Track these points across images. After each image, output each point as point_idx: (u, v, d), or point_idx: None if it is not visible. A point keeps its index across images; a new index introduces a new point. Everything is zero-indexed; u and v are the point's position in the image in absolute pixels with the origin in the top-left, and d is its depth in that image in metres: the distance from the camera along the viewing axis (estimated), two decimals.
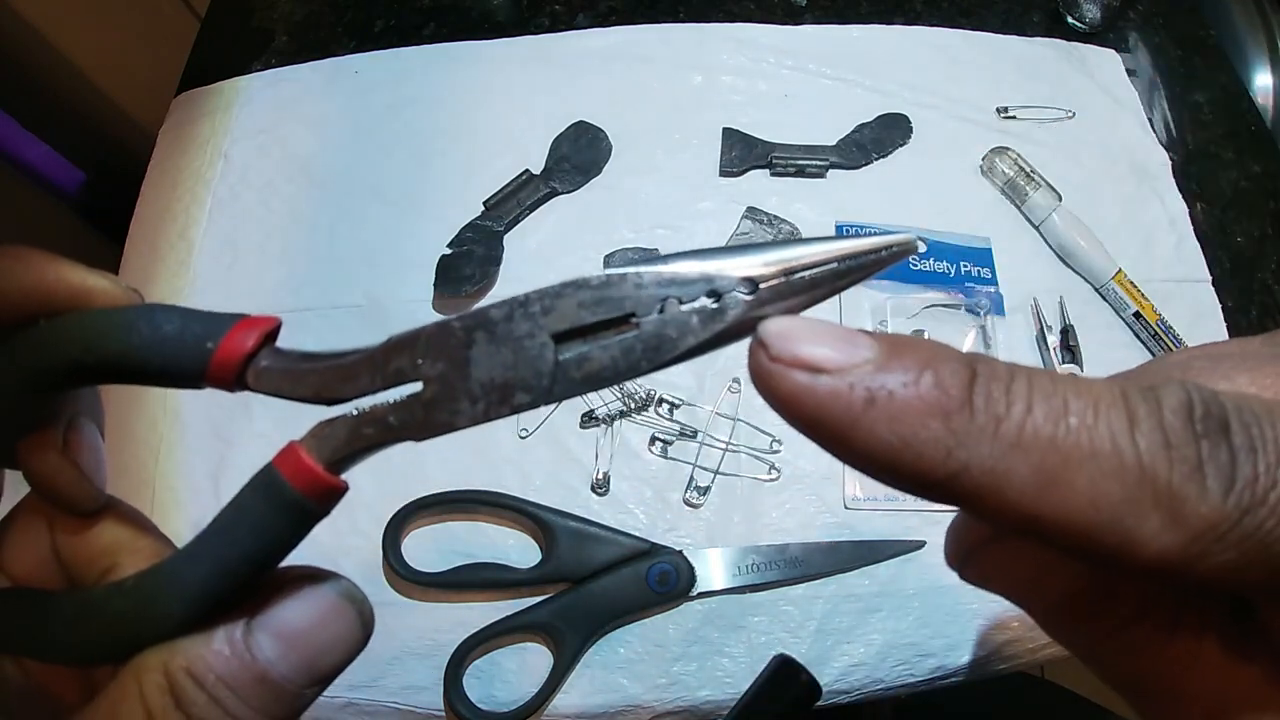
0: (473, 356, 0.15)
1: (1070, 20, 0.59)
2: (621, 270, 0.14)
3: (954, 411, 0.12)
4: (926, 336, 0.45)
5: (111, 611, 0.15)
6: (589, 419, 0.44)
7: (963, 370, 0.13)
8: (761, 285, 0.14)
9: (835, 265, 0.14)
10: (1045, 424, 0.12)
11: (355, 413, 0.16)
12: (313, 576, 0.17)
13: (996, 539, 0.17)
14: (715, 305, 0.14)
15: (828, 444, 0.13)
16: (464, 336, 0.15)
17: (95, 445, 0.18)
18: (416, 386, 0.15)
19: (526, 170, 0.50)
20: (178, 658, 0.15)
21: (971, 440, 0.12)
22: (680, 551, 0.41)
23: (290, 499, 0.16)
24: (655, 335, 0.14)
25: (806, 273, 0.14)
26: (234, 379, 0.16)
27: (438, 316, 0.47)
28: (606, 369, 0.15)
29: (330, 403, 0.16)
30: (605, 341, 0.15)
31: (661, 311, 0.14)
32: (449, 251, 0.48)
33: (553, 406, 0.30)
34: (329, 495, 0.16)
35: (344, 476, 0.16)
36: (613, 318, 0.14)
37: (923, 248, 0.15)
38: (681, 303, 0.14)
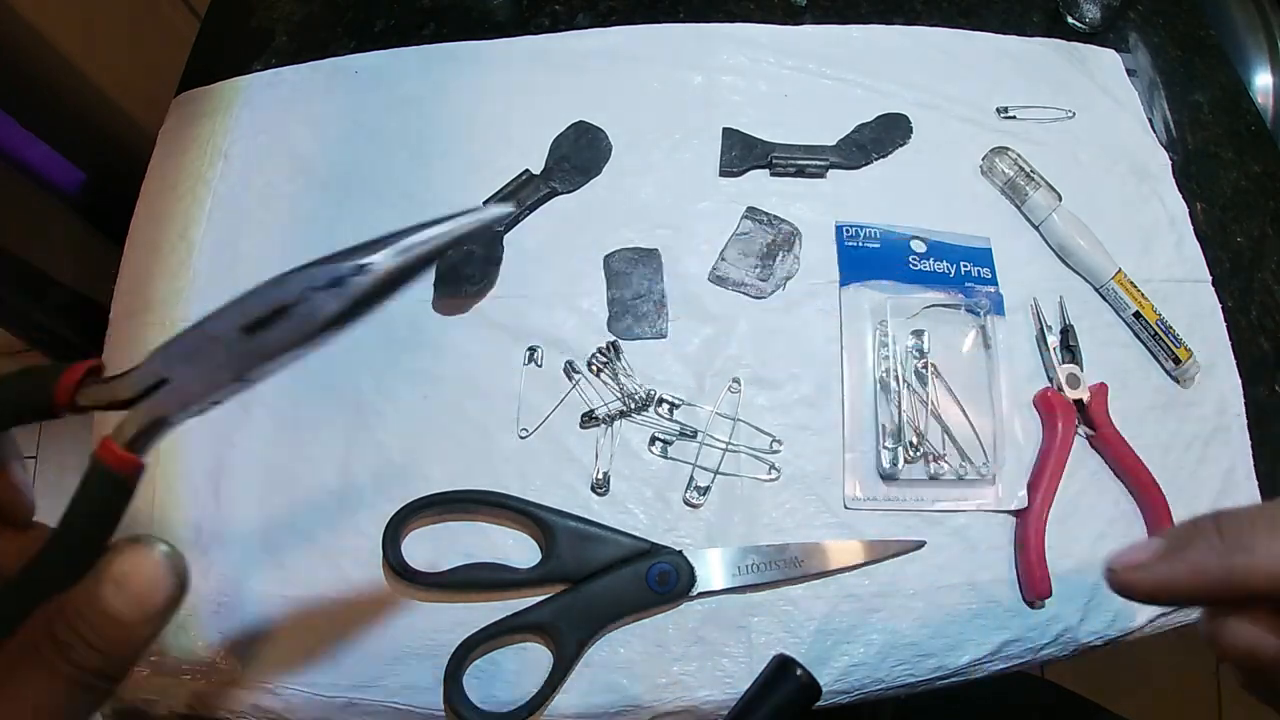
0: (196, 355, 0.22)
1: (1070, 20, 0.59)
2: (276, 277, 0.22)
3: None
4: (926, 336, 0.45)
5: (13, 602, 0.21)
6: (589, 419, 0.44)
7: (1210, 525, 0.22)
8: (370, 268, 0.22)
9: (430, 243, 0.23)
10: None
11: (135, 409, 0.22)
12: (135, 539, 0.22)
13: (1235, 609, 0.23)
14: (338, 288, 0.22)
15: (1161, 602, 0.25)
16: (193, 341, 0.22)
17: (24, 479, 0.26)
18: (169, 382, 0.22)
19: (526, 170, 0.50)
20: (52, 607, 0.20)
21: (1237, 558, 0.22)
22: (680, 551, 0.41)
23: (110, 477, 0.22)
24: (304, 316, 0.22)
25: (409, 252, 0.23)
26: (68, 407, 0.23)
27: (438, 316, 0.47)
28: (276, 342, 0.22)
29: (123, 406, 0.22)
30: (275, 326, 0.22)
31: (305, 300, 0.22)
32: (449, 252, 0.48)
33: (553, 407, 0.43)
34: (134, 469, 0.22)
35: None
36: (277, 308, 0.22)
37: (498, 212, 0.27)
38: (315, 290, 0.22)
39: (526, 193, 0.50)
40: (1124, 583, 0.24)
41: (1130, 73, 0.57)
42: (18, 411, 0.24)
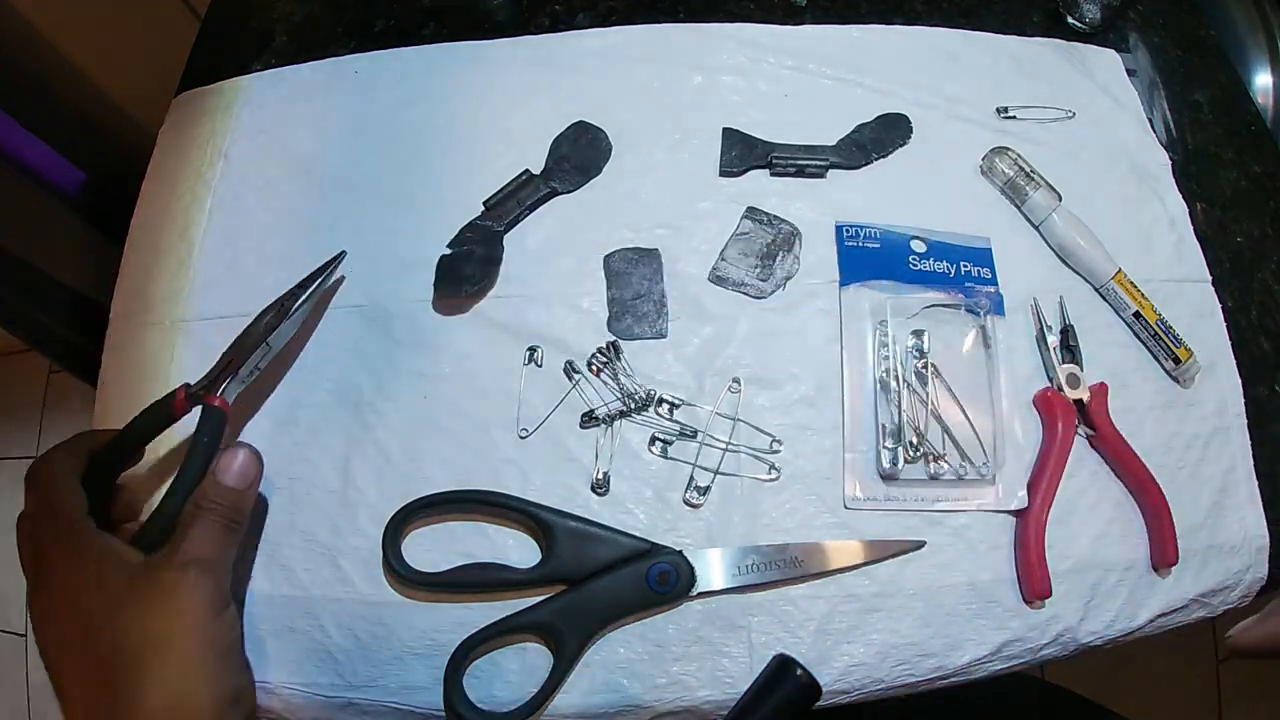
0: (246, 342, 0.42)
1: (1070, 20, 0.59)
2: (276, 300, 0.44)
3: None
4: (926, 336, 0.45)
5: (178, 491, 0.38)
6: (589, 419, 0.44)
7: None
8: (308, 287, 0.44)
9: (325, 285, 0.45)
10: None
11: (220, 380, 0.40)
12: (231, 446, 0.38)
13: None
14: (299, 296, 0.44)
15: (1265, 653, 0.34)
16: (245, 335, 0.42)
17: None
18: (234, 360, 0.41)
19: (526, 170, 0.50)
20: (197, 491, 0.37)
21: None
22: (680, 551, 0.41)
23: (215, 412, 0.39)
24: (289, 311, 0.43)
25: (320, 282, 0.45)
26: (183, 411, 0.40)
27: (438, 316, 0.47)
28: (279, 325, 0.42)
29: (212, 388, 0.40)
30: (281, 319, 0.42)
31: (286, 305, 0.43)
32: (449, 251, 0.48)
33: (553, 407, 0.45)
34: (226, 406, 0.40)
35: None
36: (278, 309, 0.43)
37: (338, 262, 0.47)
38: (291, 301, 0.44)
39: (526, 193, 0.50)
40: (1237, 643, 0.35)
41: (1130, 73, 0.57)
42: (155, 429, 0.41)
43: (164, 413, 0.40)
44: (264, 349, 0.41)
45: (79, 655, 0.32)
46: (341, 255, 0.46)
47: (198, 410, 0.39)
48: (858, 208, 0.50)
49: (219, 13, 0.63)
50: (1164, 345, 0.46)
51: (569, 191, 0.50)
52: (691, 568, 0.40)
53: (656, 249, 0.48)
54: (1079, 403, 0.44)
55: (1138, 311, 0.47)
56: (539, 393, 0.45)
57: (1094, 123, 0.54)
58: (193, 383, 0.40)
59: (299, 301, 0.43)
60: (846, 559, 0.41)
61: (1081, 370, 0.45)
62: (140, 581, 0.33)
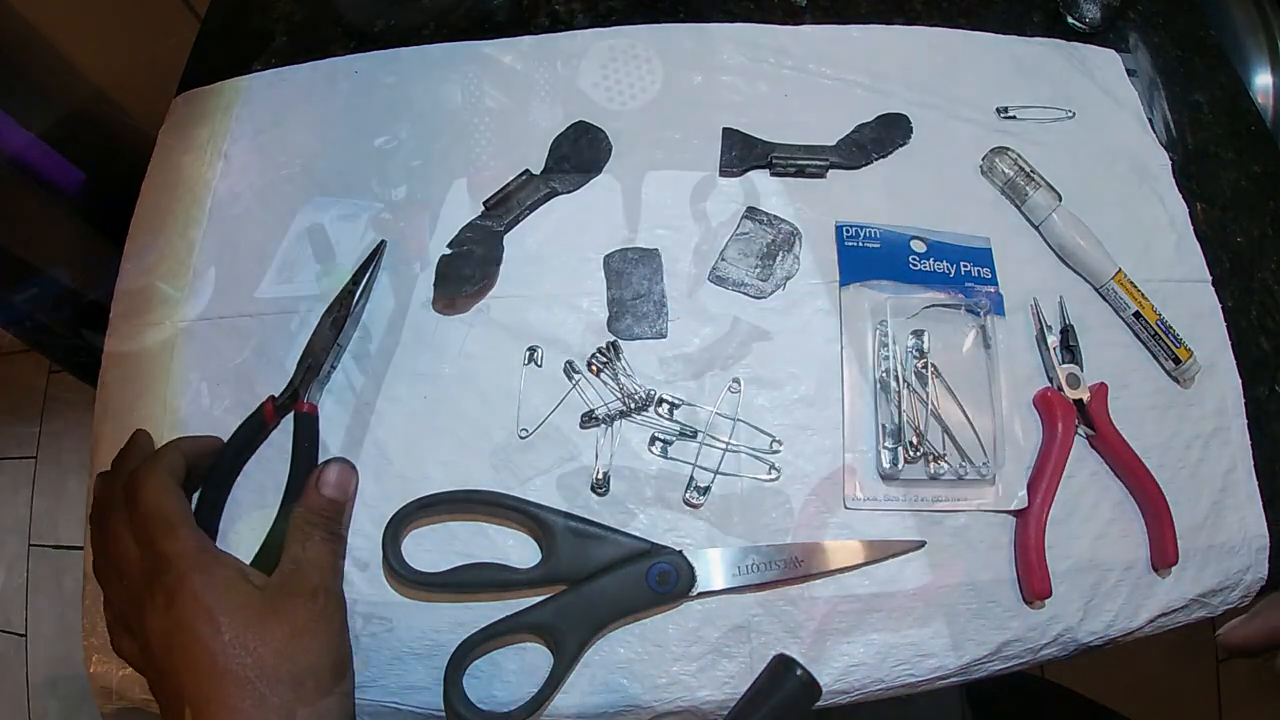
0: (317, 345, 0.45)
1: (1070, 20, 0.59)
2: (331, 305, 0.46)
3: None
4: (926, 336, 0.45)
5: (288, 502, 0.41)
6: (589, 419, 0.44)
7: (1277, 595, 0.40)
8: (358, 291, 0.46)
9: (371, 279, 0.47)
10: None
11: (302, 386, 0.44)
12: (329, 460, 0.41)
13: None
14: (353, 296, 0.46)
15: (1251, 651, 0.38)
16: (314, 342, 0.45)
17: None
18: (313, 364, 0.44)
19: (526, 170, 0.50)
20: (297, 505, 0.39)
21: None
22: (680, 551, 0.41)
23: (307, 418, 0.43)
24: (350, 311, 0.45)
25: (367, 279, 0.47)
26: (274, 419, 0.44)
27: (438, 316, 0.47)
28: (343, 328, 0.45)
29: (298, 392, 0.44)
30: (344, 322, 0.45)
31: (347, 306, 0.46)
32: (449, 251, 0.48)
33: (553, 407, 0.45)
34: (314, 410, 0.43)
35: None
36: (342, 313, 0.46)
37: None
38: (348, 302, 0.46)
39: (526, 193, 0.49)
40: (1227, 641, 0.38)
41: (1130, 73, 0.57)
42: (254, 442, 0.44)
43: (257, 425, 0.43)
44: (336, 349, 0.44)
45: (206, 665, 0.33)
46: (383, 245, 0.48)
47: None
48: (858, 208, 0.50)
49: (219, 13, 0.62)
50: (1164, 345, 0.46)
51: (569, 191, 0.50)
52: (691, 568, 0.40)
53: (656, 249, 0.48)
54: (1079, 403, 0.44)
55: (1138, 311, 0.47)
56: (539, 393, 0.45)
57: (1094, 123, 0.54)
58: (277, 394, 0.43)
59: (355, 299, 0.45)
60: (846, 559, 0.41)
61: (1081, 370, 0.45)
62: (270, 607, 0.35)
